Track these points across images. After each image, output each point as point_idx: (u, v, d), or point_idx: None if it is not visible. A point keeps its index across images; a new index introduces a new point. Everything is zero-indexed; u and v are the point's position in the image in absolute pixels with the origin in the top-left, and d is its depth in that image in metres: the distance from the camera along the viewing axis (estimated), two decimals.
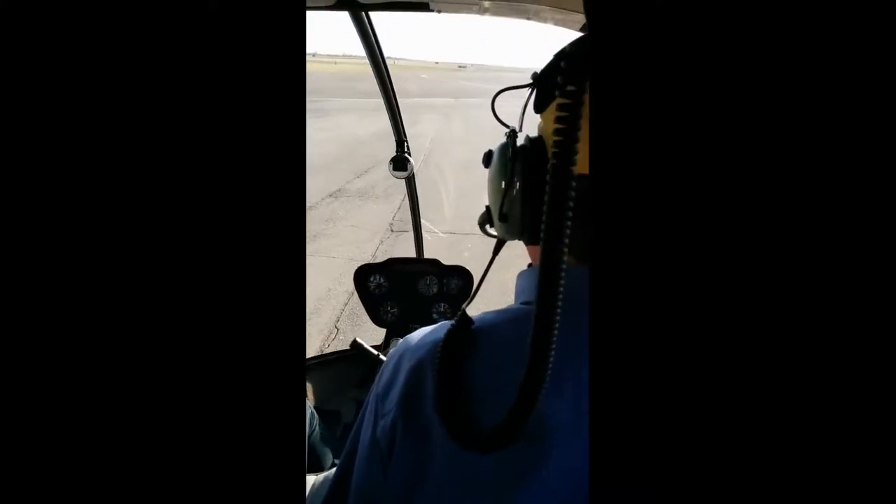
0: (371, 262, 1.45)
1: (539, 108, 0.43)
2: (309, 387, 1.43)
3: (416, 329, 0.48)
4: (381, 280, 1.44)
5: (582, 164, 0.32)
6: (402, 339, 0.48)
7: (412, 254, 1.55)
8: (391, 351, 0.48)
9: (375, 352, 1.21)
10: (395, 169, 1.31)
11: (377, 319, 1.45)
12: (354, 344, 1.21)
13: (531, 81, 0.43)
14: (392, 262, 1.43)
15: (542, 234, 0.31)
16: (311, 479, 0.95)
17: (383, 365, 0.46)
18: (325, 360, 1.47)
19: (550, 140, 0.41)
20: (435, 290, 1.44)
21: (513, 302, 0.47)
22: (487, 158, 0.47)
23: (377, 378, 0.46)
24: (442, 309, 1.44)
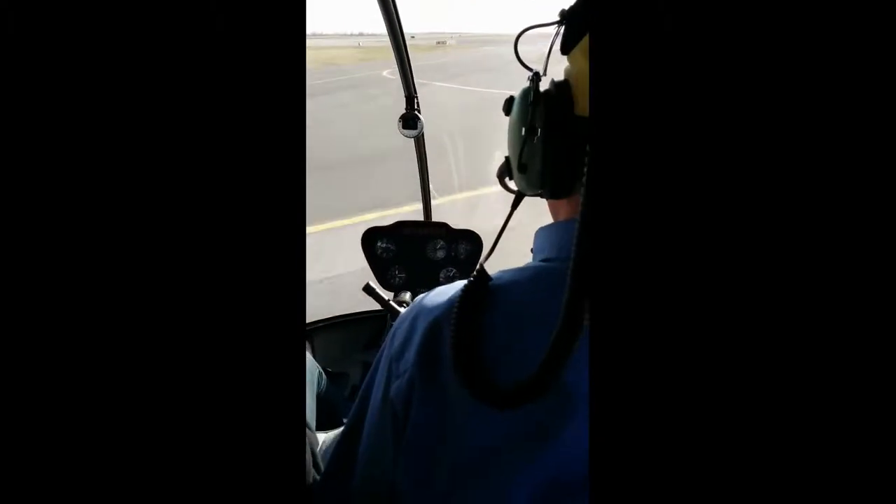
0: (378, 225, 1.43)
1: (566, 49, 0.39)
2: (316, 348, 1.44)
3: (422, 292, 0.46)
4: (389, 244, 1.42)
5: None
6: (415, 299, 0.46)
7: None
8: (403, 312, 0.46)
9: (386, 297, 1.21)
10: (404, 127, 1.27)
11: (385, 283, 1.44)
12: (367, 287, 1.20)
13: (559, 19, 0.39)
14: (400, 226, 1.41)
15: (584, 188, 0.29)
16: (322, 437, 0.96)
17: (395, 326, 0.45)
18: (331, 322, 1.47)
19: (578, 84, 0.38)
20: (443, 254, 1.41)
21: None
22: (508, 105, 0.44)
23: (389, 340, 0.45)
24: (451, 274, 1.42)
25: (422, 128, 1.27)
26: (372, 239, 1.42)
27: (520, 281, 0.40)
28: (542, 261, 0.42)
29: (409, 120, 1.26)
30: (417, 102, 1.24)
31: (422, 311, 0.43)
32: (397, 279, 1.45)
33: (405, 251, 1.42)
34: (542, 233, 0.44)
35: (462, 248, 1.40)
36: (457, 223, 1.38)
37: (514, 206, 0.47)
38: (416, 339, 0.41)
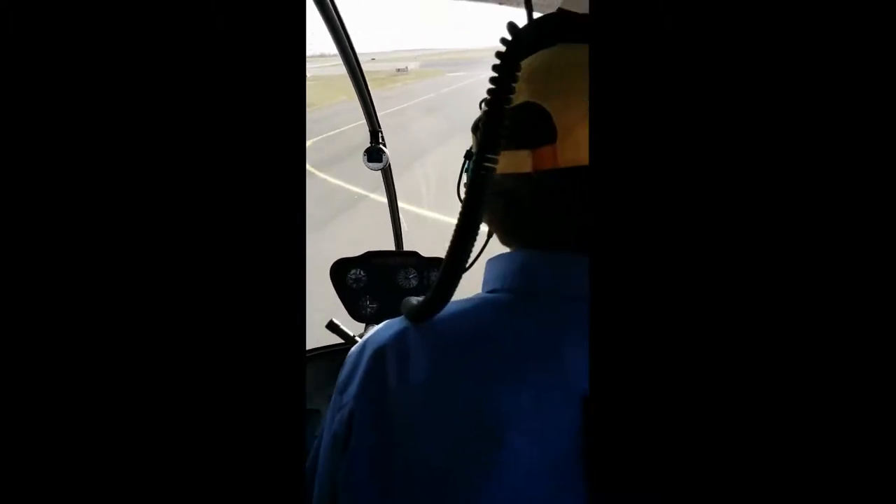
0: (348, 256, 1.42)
1: None
2: None
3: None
4: (359, 274, 1.41)
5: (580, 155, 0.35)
6: (366, 334, 0.47)
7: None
8: (353, 347, 0.47)
9: (352, 334, 1.18)
10: (369, 160, 1.28)
11: (356, 315, 1.43)
12: (331, 324, 1.18)
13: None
14: (370, 256, 1.41)
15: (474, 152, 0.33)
16: None
17: (345, 361, 0.46)
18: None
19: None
20: (415, 283, 1.42)
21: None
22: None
23: (339, 375, 0.46)
24: None
25: (387, 160, 1.29)
26: (342, 270, 1.41)
27: (463, 309, 0.42)
28: (489, 292, 0.44)
29: (374, 153, 1.27)
30: (382, 136, 1.26)
31: (368, 342, 0.44)
32: (368, 309, 1.43)
33: (376, 281, 1.42)
34: (492, 264, 0.46)
35: (434, 275, 1.41)
36: None
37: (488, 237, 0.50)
38: (361, 369, 0.42)
